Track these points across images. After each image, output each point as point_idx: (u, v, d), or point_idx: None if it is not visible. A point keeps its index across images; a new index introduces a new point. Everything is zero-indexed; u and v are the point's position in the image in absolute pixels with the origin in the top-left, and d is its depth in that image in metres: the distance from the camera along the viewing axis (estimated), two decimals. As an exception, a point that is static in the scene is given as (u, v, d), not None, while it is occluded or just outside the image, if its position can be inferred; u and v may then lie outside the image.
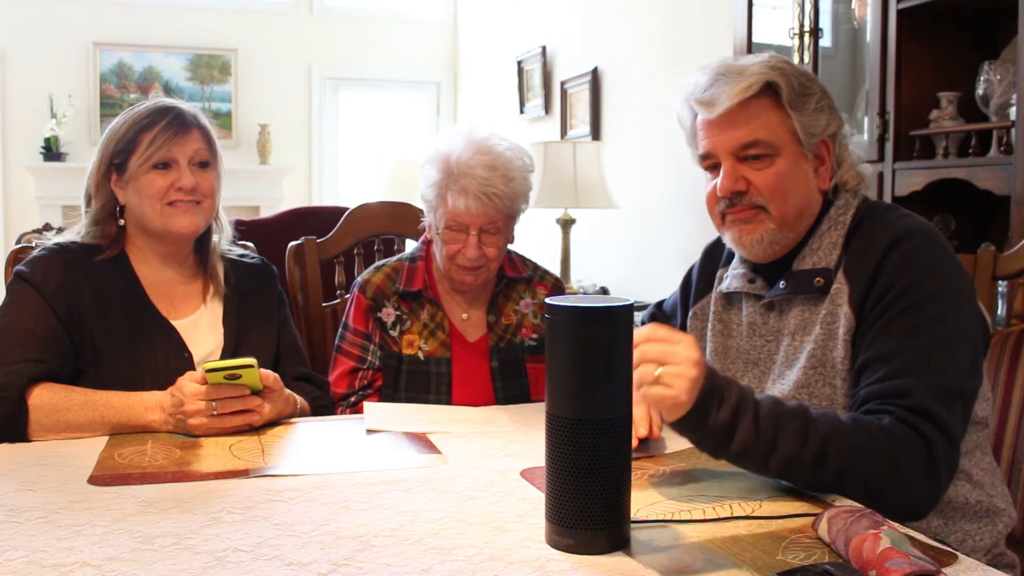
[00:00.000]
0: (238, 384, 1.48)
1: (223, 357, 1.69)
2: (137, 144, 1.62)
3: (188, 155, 1.64)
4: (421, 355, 1.84)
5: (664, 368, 1.08)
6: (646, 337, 1.09)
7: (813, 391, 1.32)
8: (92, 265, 1.63)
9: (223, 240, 1.79)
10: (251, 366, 1.48)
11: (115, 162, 1.64)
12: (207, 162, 1.67)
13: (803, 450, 1.14)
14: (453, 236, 1.77)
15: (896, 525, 0.98)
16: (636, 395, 1.05)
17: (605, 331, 0.96)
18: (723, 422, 1.12)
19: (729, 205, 1.38)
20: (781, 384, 1.37)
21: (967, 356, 1.24)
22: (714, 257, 1.58)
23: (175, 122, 1.63)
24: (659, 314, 1.71)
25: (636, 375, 1.07)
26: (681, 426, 1.13)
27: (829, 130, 1.37)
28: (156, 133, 1.62)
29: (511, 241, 1.85)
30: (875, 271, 1.28)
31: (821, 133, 1.36)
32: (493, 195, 1.73)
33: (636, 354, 1.06)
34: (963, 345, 1.24)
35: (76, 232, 1.69)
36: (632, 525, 1.02)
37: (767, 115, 1.34)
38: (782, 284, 1.39)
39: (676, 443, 1.45)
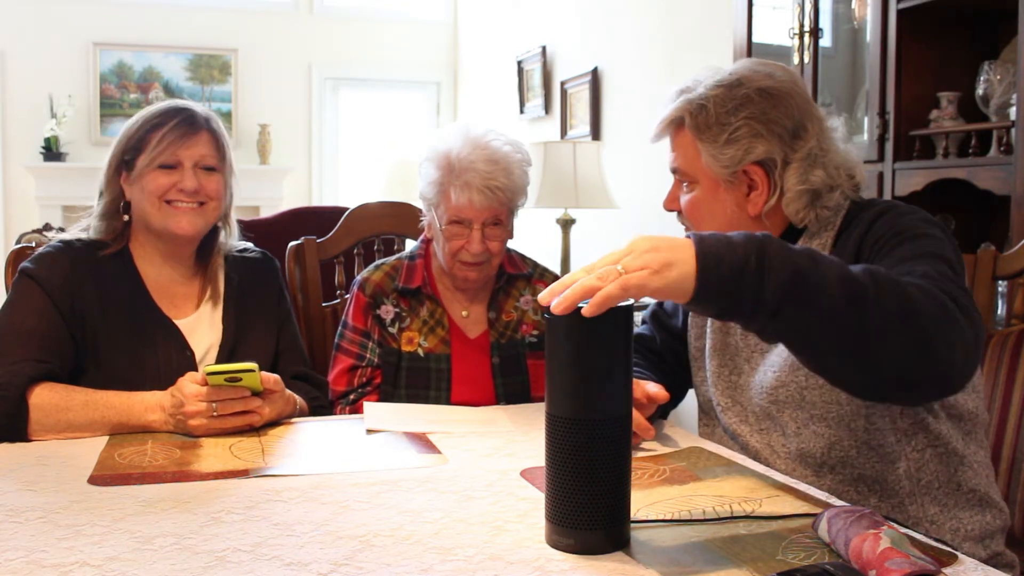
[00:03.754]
0: (239, 386, 1.49)
1: (221, 354, 1.69)
2: (146, 143, 1.63)
3: (194, 158, 1.64)
4: (421, 352, 1.84)
5: (623, 261, 0.96)
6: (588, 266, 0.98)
7: (810, 375, 1.32)
8: (97, 262, 1.64)
9: (229, 240, 1.79)
10: (252, 370, 1.48)
11: (125, 159, 1.66)
12: (213, 167, 1.67)
13: (862, 276, 1.02)
14: (456, 232, 1.77)
15: (896, 525, 0.98)
16: (592, 305, 0.93)
17: (604, 331, 0.96)
18: (743, 256, 0.97)
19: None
20: (777, 372, 1.37)
21: (963, 277, 1.21)
22: None
23: (184, 123, 1.64)
24: (660, 312, 1.72)
25: (570, 296, 0.94)
26: (698, 301, 0.96)
27: (751, 157, 1.35)
28: (164, 133, 1.63)
29: (512, 236, 1.85)
30: (863, 236, 1.31)
31: (738, 163, 1.36)
32: (496, 188, 1.73)
33: (554, 291, 0.96)
34: (959, 270, 1.21)
35: (82, 227, 1.70)
36: (632, 525, 1.02)
37: (686, 146, 1.41)
38: None
39: (676, 443, 1.45)
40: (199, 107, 1.70)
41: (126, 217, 1.68)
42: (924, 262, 1.18)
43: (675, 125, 1.42)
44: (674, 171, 1.45)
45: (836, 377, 1.10)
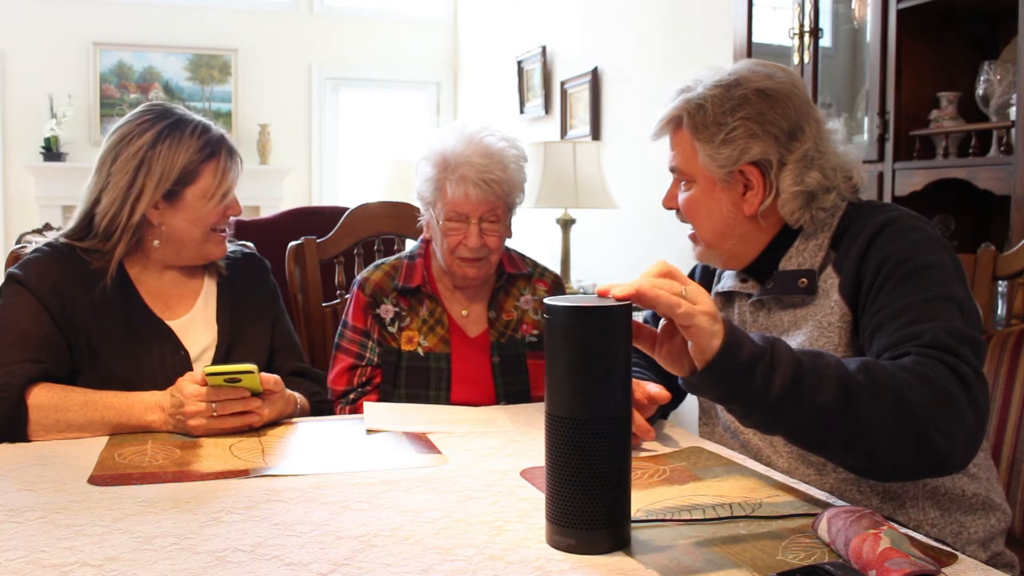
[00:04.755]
0: (238, 387, 1.49)
1: (217, 354, 1.69)
2: (198, 175, 1.64)
3: (236, 184, 1.70)
4: (420, 351, 1.84)
5: (687, 290, 0.98)
6: (657, 272, 0.99)
7: None
8: (86, 266, 1.63)
9: None
10: (251, 371, 1.48)
11: (172, 189, 1.62)
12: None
13: (856, 375, 1.06)
14: (454, 227, 1.77)
15: (896, 525, 0.98)
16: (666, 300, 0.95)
17: (604, 331, 0.96)
18: (760, 349, 1.01)
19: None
20: None
21: (973, 315, 1.23)
22: None
23: (229, 153, 1.68)
24: (662, 312, 1.72)
25: (660, 297, 0.95)
26: (713, 371, 0.99)
27: (747, 157, 1.36)
28: (223, 165, 1.66)
29: (510, 235, 1.85)
30: (863, 255, 1.30)
31: (734, 163, 1.37)
32: (492, 181, 1.73)
33: (649, 284, 0.96)
34: (967, 307, 1.23)
35: (77, 238, 1.65)
36: (632, 525, 1.02)
37: (684, 145, 1.43)
38: (769, 285, 1.41)
39: (676, 443, 1.45)
40: (215, 126, 1.70)
41: (156, 242, 1.66)
42: (930, 315, 1.18)
43: (673, 124, 1.43)
44: (672, 170, 1.46)
45: (834, 461, 1.18)
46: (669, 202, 1.49)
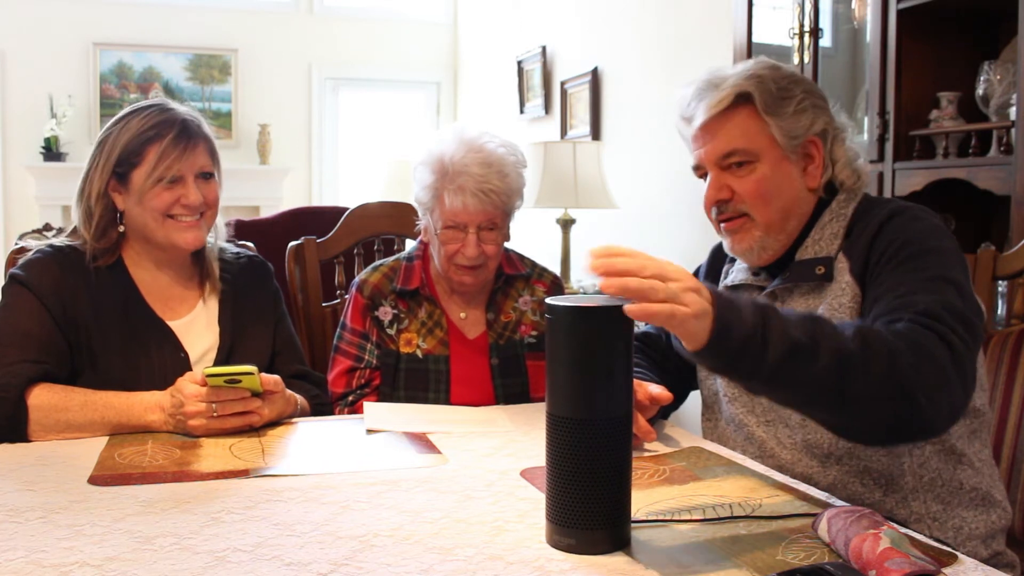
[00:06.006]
0: (238, 387, 1.48)
1: (218, 356, 1.69)
2: (143, 157, 1.59)
3: (195, 170, 1.63)
4: (419, 353, 1.84)
5: (671, 283, 0.96)
6: (630, 254, 0.97)
7: None
8: (87, 267, 1.63)
9: (218, 239, 1.78)
10: (252, 372, 1.48)
11: (117, 171, 1.62)
12: (211, 173, 1.66)
13: (850, 343, 1.07)
14: (451, 236, 1.77)
15: (896, 525, 0.98)
16: (642, 310, 0.94)
17: (605, 331, 0.96)
18: (751, 327, 1.00)
19: (719, 212, 1.44)
20: None
21: (972, 302, 1.24)
22: (720, 257, 1.62)
23: (183, 135, 1.60)
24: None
25: (634, 286, 0.94)
26: (708, 349, 0.99)
27: (815, 128, 1.40)
28: (165, 147, 1.58)
29: (508, 239, 1.85)
30: (872, 239, 1.33)
31: (804, 133, 1.39)
32: (490, 191, 1.73)
33: (623, 268, 0.95)
34: (966, 291, 1.24)
35: (78, 240, 1.66)
36: (632, 525, 1.02)
37: (745, 124, 1.40)
38: (786, 275, 1.42)
39: (676, 443, 1.45)
40: (185, 110, 1.66)
41: (121, 228, 1.65)
42: (928, 290, 1.21)
43: (740, 101, 1.39)
44: (728, 154, 1.39)
45: (824, 426, 1.19)
46: (720, 192, 1.41)
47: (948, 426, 1.19)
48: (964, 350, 1.16)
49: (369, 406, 1.68)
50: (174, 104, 1.67)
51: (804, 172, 1.41)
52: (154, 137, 1.59)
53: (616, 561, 0.96)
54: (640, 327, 1.70)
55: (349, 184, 6.80)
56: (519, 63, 5.53)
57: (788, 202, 1.40)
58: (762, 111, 1.38)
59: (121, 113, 1.66)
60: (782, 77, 1.40)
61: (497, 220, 1.78)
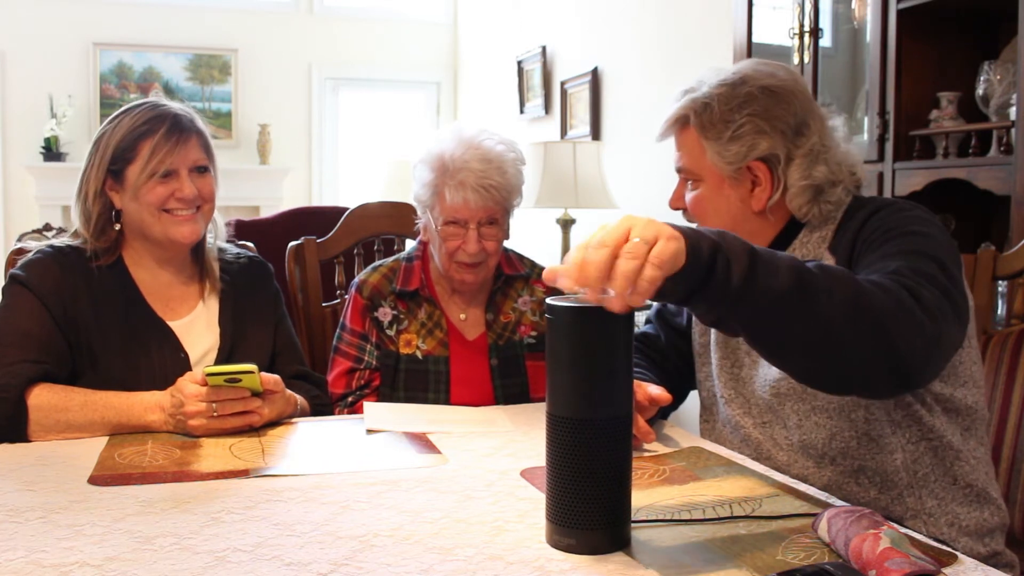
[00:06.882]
0: (238, 387, 1.49)
1: (219, 356, 1.69)
2: (136, 153, 1.60)
3: (188, 164, 1.63)
4: (419, 354, 1.84)
5: (636, 234, 0.93)
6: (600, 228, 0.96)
7: None
8: (87, 268, 1.63)
9: (217, 239, 1.78)
10: (252, 372, 1.48)
11: (112, 169, 1.63)
12: (205, 167, 1.66)
13: (811, 267, 1.04)
14: (452, 232, 1.77)
15: (896, 525, 0.98)
16: (613, 268, 0.90)
17: (605, 331, 0.96)
18: (714, 248, 0.97)
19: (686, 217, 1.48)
20: None
21: (956, 281, 1.20)
22: None
23: (175, 129, 1.61)
24: (665, 311, 1.72)
25: (607, 250, 0.92)
26: (678, 277, 0.94)
27: (755, 154, 1.37)
28: (157, 142, 1.60)
29: (508, 237, 1.85)
30: (857, 232, 1.33)
31: (741, 160, 1.38)
32: (491, 187, 1.73)
33: (597, 239, 0.94)
34: (950, 272, 1.20)
35: (79, 240, 1.66)
36: (632, 525, 1.02)
37: (689, 144, 1.43)
38: None
39: (676, 443, 1.45)
40: (178, 107, 1.67)
41: (118, 226, 1.66)
42: (903, 259, 1.19)
43: (680, 123, 1.44)
44: (679, 170, 1.47)
45: (796, 369, 1.11)
46: (676, 202, 1.49)
47: (929, 375, 1.14)
48: (935, 308, 1.10)
49: (369, 406, 1.68)
50: (167, 101, 1.68)
51: (751, 194, 1.40)
52: (146, 132, 1.61)
53: (616, 561, 0.96)
54: (640, 327, 1.71)
55: (349, 184, 6.80)
56: (519, 63, 5.53)
57: (727, 222, 1.40)
58: (699, 135, 1.40)
59: (115, 113, 1.67)
60: (735, 97, 1.38)
61: (497, 216, 1.78)
